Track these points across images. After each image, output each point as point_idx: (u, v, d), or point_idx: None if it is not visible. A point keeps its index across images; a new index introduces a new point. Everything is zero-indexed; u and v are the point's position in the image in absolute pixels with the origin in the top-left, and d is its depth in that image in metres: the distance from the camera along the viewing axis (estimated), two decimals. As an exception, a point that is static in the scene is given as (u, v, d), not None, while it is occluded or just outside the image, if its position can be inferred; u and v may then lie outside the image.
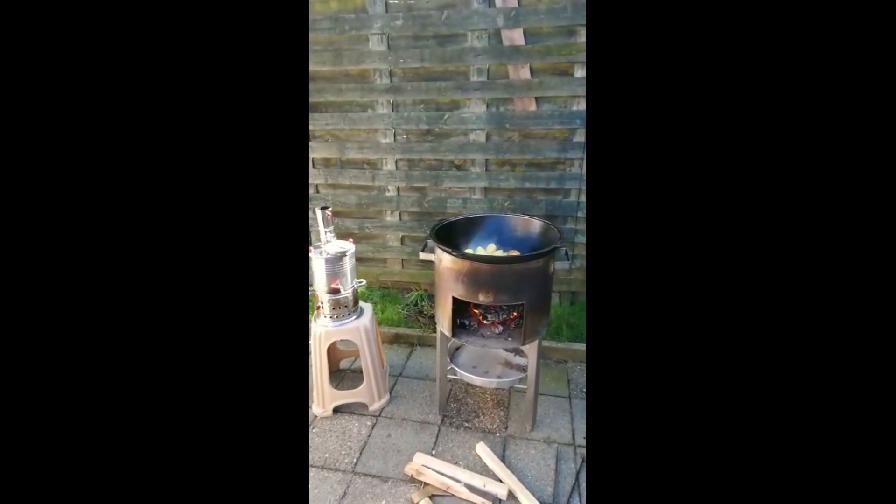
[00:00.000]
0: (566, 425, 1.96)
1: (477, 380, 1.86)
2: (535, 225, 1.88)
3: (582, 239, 2.53)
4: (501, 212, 2.58)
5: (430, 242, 1.72)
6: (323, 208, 1.91)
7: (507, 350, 2.05)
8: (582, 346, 2.39)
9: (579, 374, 2.31)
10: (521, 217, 1.94)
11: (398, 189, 2.71)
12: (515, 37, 2.27)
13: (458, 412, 2.05)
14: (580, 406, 2.07)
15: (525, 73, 2.32)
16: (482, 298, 1.60)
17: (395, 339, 2.60)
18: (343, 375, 2.33)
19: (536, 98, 2.36)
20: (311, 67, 2.51)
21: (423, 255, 1.76)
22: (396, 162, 2.64)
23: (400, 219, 2.78)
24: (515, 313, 1.79)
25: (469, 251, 1.86)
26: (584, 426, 1.95)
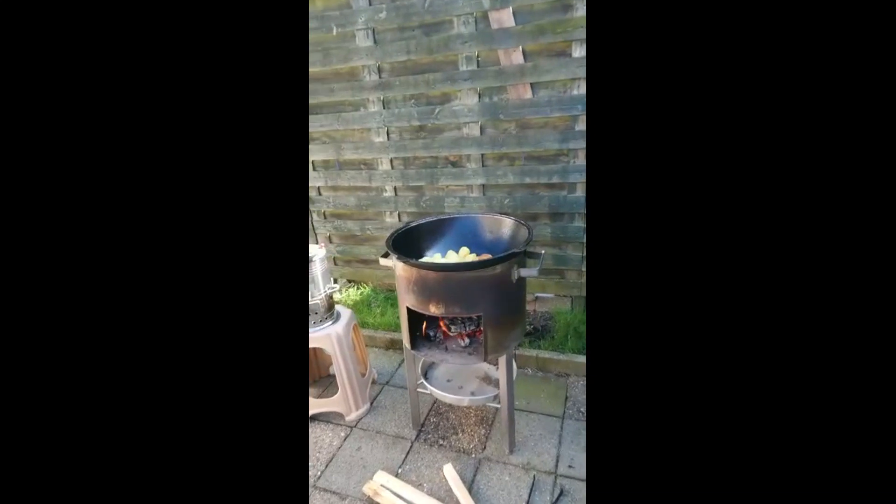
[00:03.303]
0: (551, 450, 1.74)
1: (447, 397, 1.71)
2: (507, 225, 1.68)
3: (589, 239, 2.26)
4: (501, 210, 2.39)
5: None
6: (292, 212, 1.86)
7: (489, 362, 1.87)
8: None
9: (580, 390, 2.06)
10: (494, 216, 1.75)
11: (395, 189, 2.61)
12: (504, 18, 2.06)
13: (436, 428, 1.92)
14: (573, 428, 1.84)
15: (517, 58, 2.11)
16: (433, 309, 1.45)
17: (391, 345, 2.51)
18: (331, 382, 2.28)
19: (531, 84, 2.13)
20: (303, 69, 2.48)
21: (382, 262, 1.64)
22: (391, 161, 2.55)
23: (399, 219, 2.68)
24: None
25: (436, 257, 1.71)
26: (572, 452, 1.72)
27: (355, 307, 2.78)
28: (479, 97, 2.24)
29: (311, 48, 2.43)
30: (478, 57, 2.17)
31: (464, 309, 1.44)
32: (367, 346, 2.55)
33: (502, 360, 1.55)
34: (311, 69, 2.47)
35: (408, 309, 1.53)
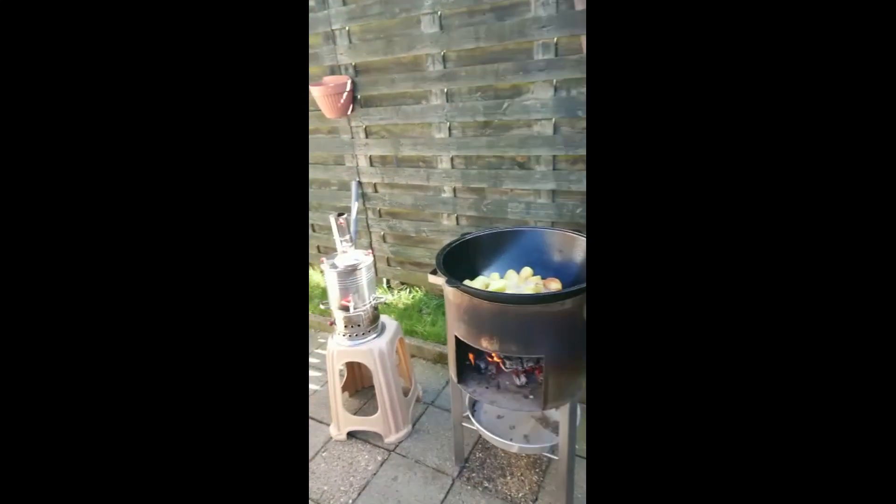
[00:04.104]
0: (616, 515, 1.46)
1: (495, 440, 1.48)
2: (581, 245, 1.41)
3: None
4: (571, 221, 2.10)
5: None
6: (339, 215, 1.71)
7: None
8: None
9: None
10: (565, 233, 1.48)
11: (454, 190, 2.40)
12: (591, -3, 1.75)
13: (481, 465, 1.70)
14: (644, 490, 1.54)
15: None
16: (485, 345, 1.23)
17: (440, 359, 2.33)
18: (373, 394, 2.14)
19: (619, 76, 1.81)
20: (365, 58, 2.33)
21: (431, 279, 1.44)
22: (452, 159, 2.33)
23: (457, 223, 2.48)
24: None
25: (493, 276, 1.48)
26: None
27: (405, 312, 2.63)
28: (555, 90, 1.95)
29: (374, 36, 2.27)
30: (556, 44, 1.88)
31: (522, 348, 1.20)
32: (413, 356, 2.40)
33: (564, 408, 1.29)
34: (373, 58, 2.31)
35: (456, 338, 1.32)
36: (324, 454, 1.83)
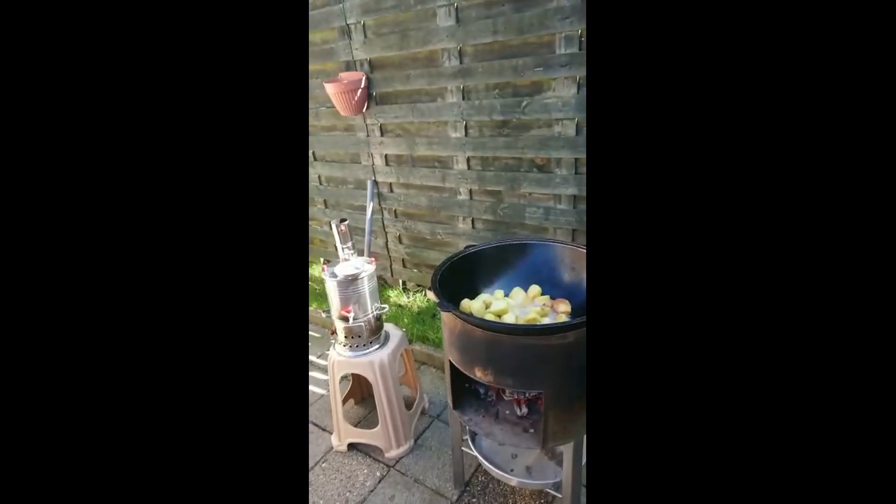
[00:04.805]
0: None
1: (494, 471, 1.38)
2: (593, 269, 1.26)
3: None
4: (593, 229, 1.94)
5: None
6: (341, 221, 1.64)
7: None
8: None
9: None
10: (577, 249, 1.33)
11: (470, 192, 2.28)
12: (620, -16, 1.58)
13: (482, 491, 1.61)
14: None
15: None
16: (479, 375, 1.12)
17: (449, 369, 2.23)
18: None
19: (650, 71, 1.62)
20: (379, 53, 2.24)
21: (430, 295, 1.34)
22: (468, 160, 2.21)
23: (473, 227, 2.36)
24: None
25: (497, 294, 1.36)
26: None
27: (419, 316, 2.55)
28: (578, 88, 1.79)
29: (389, 30, 2.17)
30: (580, 37, 1.71)
31: (518, 382, 1.09)
32: (424, 365, 2.32)
33: (568, 447, 1.17)
34: (388, 54, 2.21)
35: (450, 363, 1.22)
36: (323, 465, 1.78)
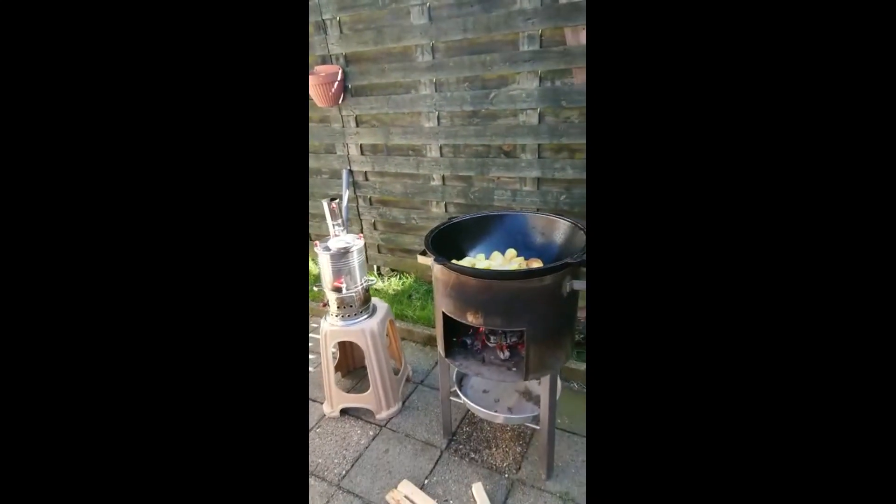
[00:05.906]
0: (593, 481, 1.57)
1: (481, 411, 1.57)
2: (561, 228, 1.49)
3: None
4: (555, 208, 2.18)
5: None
6: (332, 199, 1.78)
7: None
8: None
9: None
10: (547, 217, 1.56)
11: (443, 178, 2.47)
12: (574, -9, 1.83)
13: (468, 438, 1.79)
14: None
15: (586, 37, 1.87)
16: (471, 319, 1.31)
17: (428, 341, 2.41)
18: (365, 374, 2.22)
19: (601, 67, 1.88)
20: (355, 48, 2.38)
21: (420, 259, 1.51)
22: (441, 148, 2.40)
23: (445, 210, 2.55)
24: (526, 338, 1.46)
25: (479, 258, 1.56)
26: (618, 487, 1.53)
27: (396, 297, 2.70)
28: (540, 81, 2.03)
29: (364, 26, 2.32)
30: (541, 36, 1.95)
31: (505, 322, 1.29)
32: (403, 340, 2.47)
33: (545, 380, 1.38)
34: (364, 49, 2.36)
35: (444, 315, 1.40)
36: (318, 430, 1.90)
